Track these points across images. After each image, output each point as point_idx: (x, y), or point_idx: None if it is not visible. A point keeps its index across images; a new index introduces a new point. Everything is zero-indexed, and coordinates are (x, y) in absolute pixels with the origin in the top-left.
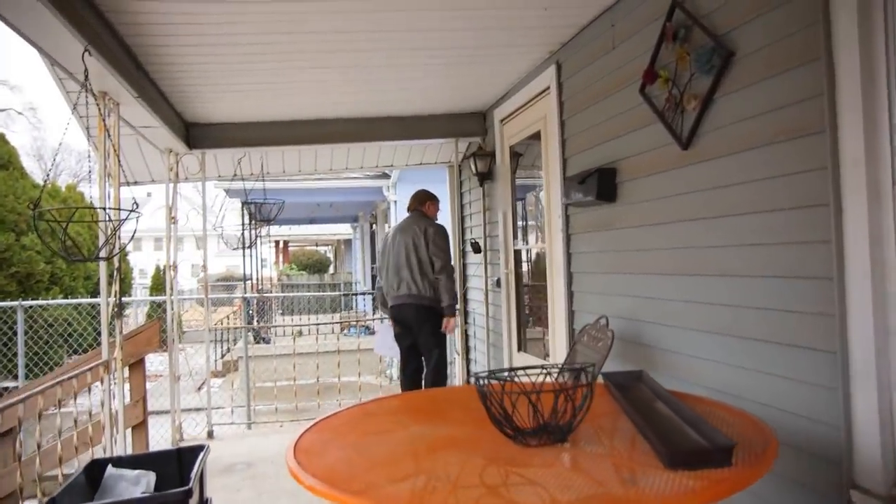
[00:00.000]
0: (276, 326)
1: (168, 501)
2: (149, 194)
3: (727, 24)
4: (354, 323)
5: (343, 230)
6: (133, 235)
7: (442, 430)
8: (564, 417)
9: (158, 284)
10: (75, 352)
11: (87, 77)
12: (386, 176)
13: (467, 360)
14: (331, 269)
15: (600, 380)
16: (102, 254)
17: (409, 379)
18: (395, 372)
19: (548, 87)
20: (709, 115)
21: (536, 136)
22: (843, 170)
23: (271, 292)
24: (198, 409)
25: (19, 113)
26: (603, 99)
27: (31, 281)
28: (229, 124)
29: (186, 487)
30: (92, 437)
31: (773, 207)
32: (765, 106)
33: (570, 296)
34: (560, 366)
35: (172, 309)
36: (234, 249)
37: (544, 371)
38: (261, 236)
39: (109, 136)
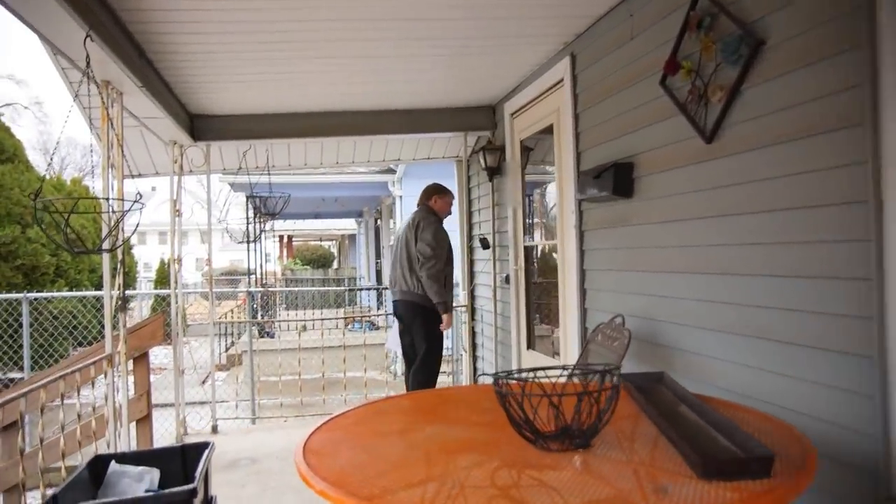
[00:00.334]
0: (280, 321)
1: (172, 500)
2: (153, 188)
3: (757, 12)
4: (359, 318)
5: (347, 225)
6: (136, 227)
7: (457, 432)
8: (587, 421)
9: (163, 278)
10: (80, 344)
11: (88, 64)
12: (391, 171)
13: (474, 358)
14: (334, 265)
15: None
16: (105, 245)
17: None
18: (399, 367)
19: (561, 80)
20: (735, 107)
21: (548, 130)
22: (884, 165)
23: (275, 287)
24: (202, 403)
25: (25, 107)
26: (620, 91)
27: (36, 273)
28: (234, 116)
29: (191, 486)
30: (95, 431)
31: (805, 204)
32: (797, 97)
33: (583, 293)
34: (583, 367)
35: (177, 302)
36: (239, 243)
37: (565, 372)
38: (265, 231)
39: (113, 126)
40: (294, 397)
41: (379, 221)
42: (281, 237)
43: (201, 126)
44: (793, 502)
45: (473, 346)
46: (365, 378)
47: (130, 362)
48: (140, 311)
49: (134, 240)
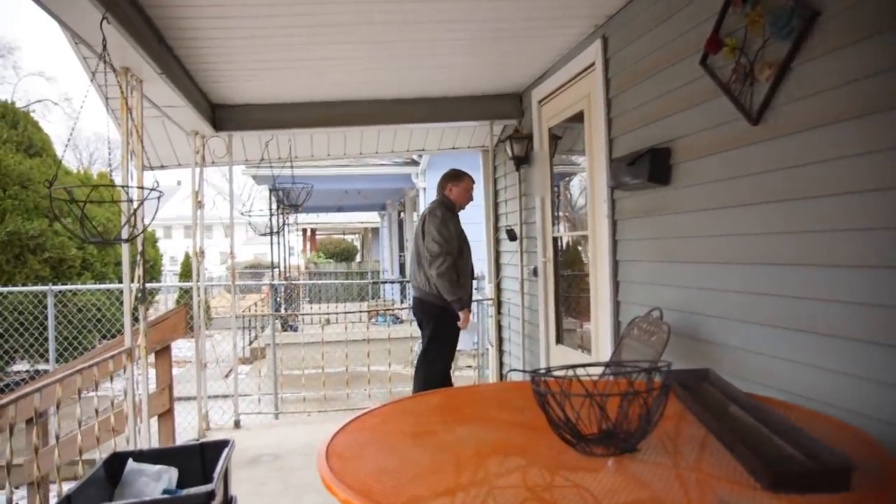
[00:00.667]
0: (303, 314)
1: (189, 502)
2: (179, 182)
3: None
4: (383, 312)
5: (370, 218)
6: (154, 216)
7: (490, 433)
8: (634, 423)
9: (187, 271)
10: (104, 336)
11: (105, 47)
12: (415, 163)
13: (500, 353)
14: (357, 258)
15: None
16: (123, 234)
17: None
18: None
19: (592, 64)
20: (785, 85)
21: (578, 118)
22: None
23: (298, 280)
24: (225, 396)
25: (55, 103)
26: (655, 74)
27: (63, 266)
28: (256, 105)
29: (209, 489)
30: (115, 427)
31: (865, 188)
32: (855, 73)
33: (616, 286)
34: (629, 364)
35: (199, 296)
36: (262, 235)
37: (607, 370)
38: (288, 223)
39: (132, 114)
40: (317, 391)
41: (402, 214)
42: (304, 231)
43: (223, 116)
44: None
45: (500, 341)
46: (389, 373)
47: (152, 356)
48: (166, 304)
49: (159, 233)
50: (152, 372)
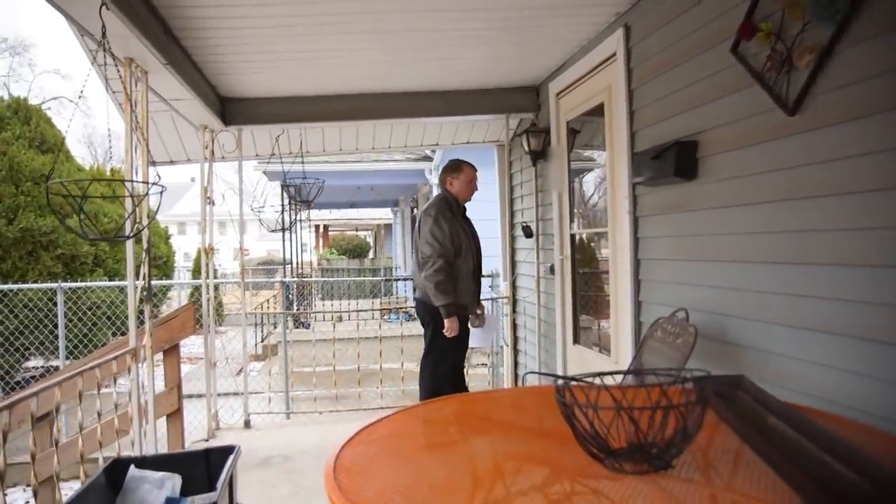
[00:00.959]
0: (315, 312)
1: None
2: (192, 179)
3: None
4: (395, 309)
5: (383, 215)
6: (157, 211)
7: (510, 445)
8: (669, 438)
9: (200, 267)
10: (115, 334)
11: (104, 35)
12: (428, 158)
13: (515, 352)
14: (370, 255)
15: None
16: (127, 231)
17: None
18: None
19: (613, 54)
20: (826, 72)
21: (597, 111)
22: None
23: (311, 277)
24: (235, 394)
25: (70, 101)
26: (681, 63)
27: (75, 263)
28: (266, 99)
29: (212, 498)
30: (120, 429)
31: None
32: None
33: (637, 285)
34: (660, 371)
35: (208, 293)
36: (272, 231)
37: (637, 378)
38: (301, 219)
39: (137, 107)
40: (329, 389)
41: (415, 210)
42: (317, 227)
43: (232, 109)
44: None
45: (515, 340)
46: (402, 372)
47: (160, 354)
48: (179, 300)
49: (173, 230)
50: (160, 370)
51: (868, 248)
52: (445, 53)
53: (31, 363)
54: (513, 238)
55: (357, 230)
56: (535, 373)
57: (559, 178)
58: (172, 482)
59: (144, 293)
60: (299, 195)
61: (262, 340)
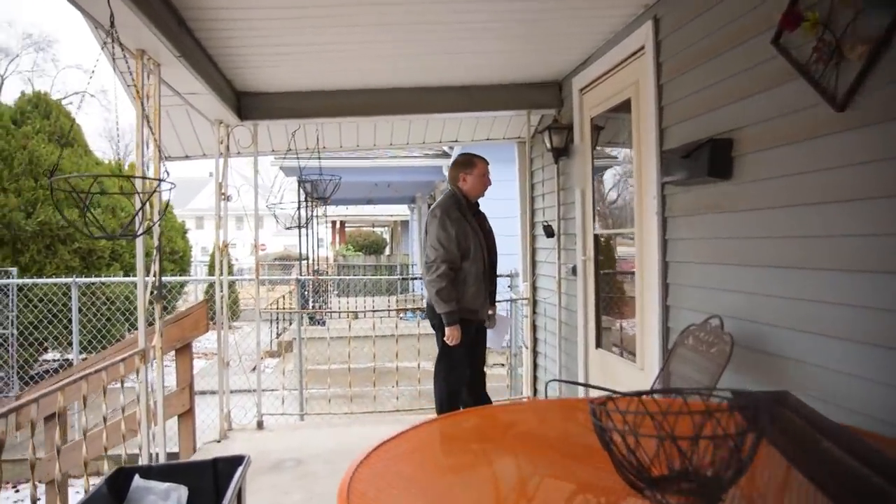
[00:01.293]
0: (330, 312)
1: None
2: (210, 174)
3: None
4: (412, 308)
5: (400, 211)
6: (165, 209)
7: (539, 466)
8: (719, 468)
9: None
10: (131, 329)
11: (112, 24)
12: (446, 155)
13: (535, 354)
14: (386, 251)
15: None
16: (135, 229)
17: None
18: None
19: (642, 48)
20: (881, 64)
21: (623, 107)
22: None
23: (327, 273)
24: (250, 391)
25: (92, 96)
26: (715, 56)
27: (92, 257)
28: (282, 93)
29: None
30: (124, 436)
31: None
32: None
33: (665, 289)
34: (707, 391)
35: (222, 290)
36: (287, 229)
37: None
38: (317, 216)
39: (149, 100)
40: (343, 388)
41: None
42: (333, 223)
43: (248, 104)
44: None
45: (534, 342)
46: (419, 374)
47: (171, 353)
48: (196, 295)
49: (191, 224)
50: (171, 368)
51: None
52: (465, 47)
53: (48, 356)
54: (533, 237)
55: (373, 226)
56: (561, 381)
57: (582, 177)
58: (178, 494)
59: (155, 292)
60: (316, 191)
61: (278, 337)
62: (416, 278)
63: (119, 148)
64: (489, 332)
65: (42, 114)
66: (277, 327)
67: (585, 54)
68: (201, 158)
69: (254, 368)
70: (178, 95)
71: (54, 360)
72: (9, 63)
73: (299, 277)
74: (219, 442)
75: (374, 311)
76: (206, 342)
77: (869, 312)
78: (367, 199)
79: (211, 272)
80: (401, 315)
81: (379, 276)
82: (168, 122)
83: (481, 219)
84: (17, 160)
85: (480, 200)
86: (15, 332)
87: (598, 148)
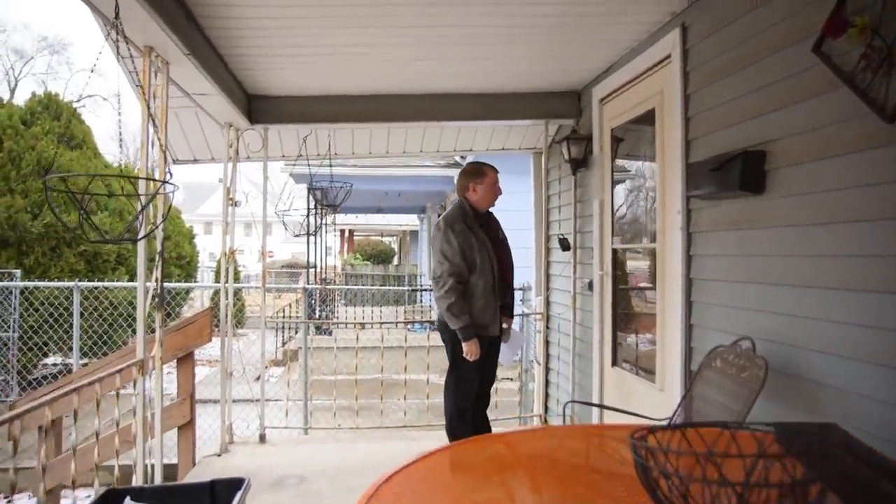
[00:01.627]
0: (336, 323)
1: None
2: (220, 180)
3: None
4: (420, 320)
5: (410, 221)
6: (168, 211)
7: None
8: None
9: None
10: (135, 333)
11: (118, 14)
12: (458, 165)
13: (547, 371)
14: (395, 261)
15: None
16: (140, 232)
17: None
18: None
19: (668, 56)
20: None
21: (645, 118)
22: None
23: (335, 281)
24: (253, 401)
25: (104, 99)
26: (748, 66)
27: (98, 260)
28: (294, 97)
29: None
30: (117, 450)
31: None
32: None
33: (688, 307)
34: (763, 426)
35: (227, 299)
36: (296, 236)
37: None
38: (326, 224)
39: (156, 100)
40: (349, 399)
41: None
42: (342, 231)
43: (259, 107)
44: None
45: (547, 358)
46: (428, 389)
47: (173, 362)
48: (202, 301)
49: (199, 229)
50: (172, 376)
51: None
52: (484, 53)
53: (49, 360)
54: (548, 251)
55: (382, 235)
56: (579, 402)
57: (601, 190)
58: None
59: (156, 300)
60: (326, 199)
61: (283, 345)
62: (424, 289)
63: (129, 151)
64: (502, 346)
65: (52, 115)
66: (283, 335)
67: (607, 63)
68: (210, 162)
69: (257, 378)
70: (188, 96)
71: (55, 365)
72: (23, 65)
73: (306, 286)
74: (219, 456)
75: (381, 322)
76: (209, 349)
77: None
78: (376, 207)
79: (217, 279)
80: (409, 326)
81: (387, 287)
82: (177, 124)
83: (493, 227)
84: (25, 161)
85: (493, 209)
86: (16, 335)
87: (618, 160)
